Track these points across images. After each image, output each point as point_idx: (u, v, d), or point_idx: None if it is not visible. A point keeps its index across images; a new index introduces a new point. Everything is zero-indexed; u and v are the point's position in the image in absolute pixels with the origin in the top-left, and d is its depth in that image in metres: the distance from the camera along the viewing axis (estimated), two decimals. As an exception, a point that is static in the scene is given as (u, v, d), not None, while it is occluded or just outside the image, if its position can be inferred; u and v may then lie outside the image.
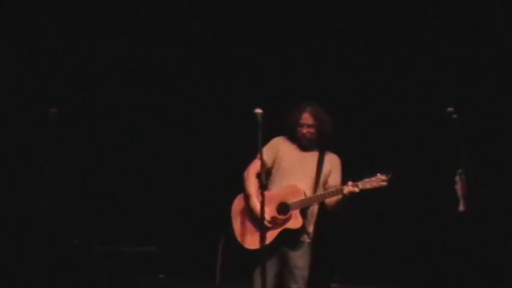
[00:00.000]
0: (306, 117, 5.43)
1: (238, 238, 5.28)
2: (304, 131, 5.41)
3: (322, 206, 5.41)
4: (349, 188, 5.16)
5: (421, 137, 6.22)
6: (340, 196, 5.23)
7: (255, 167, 5.38)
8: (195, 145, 6.51)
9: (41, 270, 5.47)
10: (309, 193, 5.31)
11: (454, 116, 4.70)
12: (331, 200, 5.31)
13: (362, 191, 5.16)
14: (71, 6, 6.60)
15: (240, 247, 5.27)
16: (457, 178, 4.68)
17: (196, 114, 6.64)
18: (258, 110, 5.00)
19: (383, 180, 5.14)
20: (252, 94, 5.61)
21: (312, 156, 5.43)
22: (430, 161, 6.12)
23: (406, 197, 6.27)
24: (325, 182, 5.41)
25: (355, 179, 5.17)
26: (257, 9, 6.67)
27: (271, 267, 5.22)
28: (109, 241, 5.12)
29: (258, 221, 5.19)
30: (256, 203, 5.26)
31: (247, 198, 5.34)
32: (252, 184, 5.37)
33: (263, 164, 5.02)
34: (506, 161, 6.02)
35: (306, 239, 5.34)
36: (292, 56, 6.64)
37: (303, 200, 5.26)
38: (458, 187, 4.68)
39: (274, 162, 5.45)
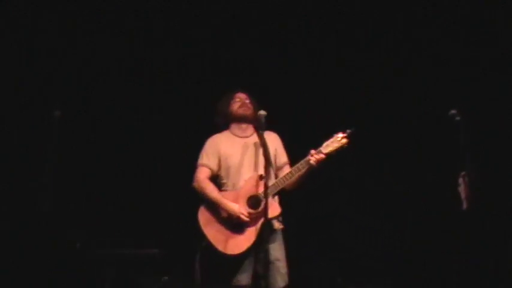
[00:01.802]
0: (240, 95, 5.41)
1: (219, 247, 5.07)
2: (247, 101, 5.34)
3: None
4: (314, 157, 5.03)
5: (423, 138, 6.22)
6: (303, 171, 5.10)
7: (202, 173, 5.30)
8: (195, 145, 6.45)
9: (41, 272, 5.47)
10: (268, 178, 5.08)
11: (457, 118, 4.72)
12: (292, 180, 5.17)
13: (328, 156, 5.05)
14: (71, 6, 6.56)
15: (222, 256, 5.07)
16: (461, 180, 4.69)
17: (196, 114, 6.59)
18: (262, 112, 4.99)
19: (343, 138, 5.05)
20: (252, 94, 5.58)
21: (253, 142, 5.26)
22: (433, 162, 6.13)
23: (407, 198, 6.29)
24: (276, 163, 5.29)
25: (314, 147, 5.09)
26: (257, 9, 6.64)
27: (249, 267, 5.10)
28: (110, 243, 5.09)
29: (233, 223, 5.09)
30: (227, 203, 5.12)
31: (212, 205, 5.18)
32: (211, 189, 5.24)
33: (267, 155, 4.88)
34: (508, 162, 6.03)
35: (279, 225, 5.21)
36: (292, 56, 6.62)
37: (272, 186, 5.07)
38: (462, 189, 4.68)
39: (219, 163, 5.32)
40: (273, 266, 5.08)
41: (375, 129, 6.37)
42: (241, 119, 5.35)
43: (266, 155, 4.88)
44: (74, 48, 6.54)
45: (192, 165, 5.71)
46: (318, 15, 6.62)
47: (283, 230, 5.24)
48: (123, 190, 6.38)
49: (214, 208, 5.17)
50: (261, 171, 5.01)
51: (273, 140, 5.34)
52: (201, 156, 5.37)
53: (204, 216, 5.17)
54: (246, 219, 5.08)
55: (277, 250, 5.15)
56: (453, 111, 4.75)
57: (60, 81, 6.44)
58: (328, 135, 5.15)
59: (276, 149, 5.32)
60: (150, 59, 6.66)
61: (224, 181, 5.28)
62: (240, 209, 5.11)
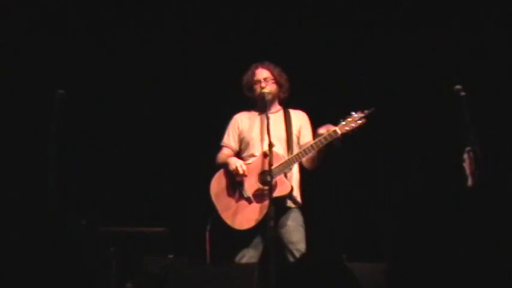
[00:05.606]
0: (260, 72, 5.28)
1: (226, 220, 5.04)
2: (263, 85, 5.22)
3: (302, 167, 5.23)
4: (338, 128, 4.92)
5: (428, 113, 6.18)
6: (320, 147, 4.97)
7: (221, 152, 5.28)
8: (204, 120, 6.42)
9: (46, 250, 5.47)
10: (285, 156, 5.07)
11: (462, 93, 4.69)
12: (307, 157, 5.09)
13: (344, 135, 4.96)
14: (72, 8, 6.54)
15: (230, 230, 5.03)
16: (465, 155, 4.67)
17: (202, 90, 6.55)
18: (266, 90, 5.07)
19: (360, 118, 4.98)
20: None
21: (277, 117, 5.19)
22: (437, 138, 6.11)
23: (412, 174, 6.28)
24: (298, 141, 5.21)
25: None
26: (258, 8, 6.59)
27: (257, 246, 5.06)
28: (115, 222, 5.09)
29: (243, 197, 5.03)
30: (228, 159, 5.10)
31: (224, 177, 5.14)
32: (225, 156, 5.22)
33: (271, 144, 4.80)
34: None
35: (293, 205, 5.12)
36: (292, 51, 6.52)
37: (285, 162, 5.01)
38: (467, 164, 4.66)
39: (239, 140, 5.30)
40: (285, 248, 5.04)
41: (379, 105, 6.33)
42: (263, 102, 5.23)
43: (269, 132, 4.82)
44: (75, 49, 6.49)
45: (200, 141, 5.76)
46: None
47: (299, 208, 5.18)
48: (129, 168, 6.40)
49: (227, 180, 5.13)
50: (277, 148, 4.97)
51: (298, 117, 5.30)
52: (223, 136, 5.36)
53: (215, 187, 5.14)
54: (239, 171, 5.04)
55: (291, 232, 5.08)
56: (458, 87, 4.72)
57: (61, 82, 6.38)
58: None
59: (300, 127, 5.26)
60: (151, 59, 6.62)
61: (244, 154, 5.25)
62: (237, 161, 5.10)
